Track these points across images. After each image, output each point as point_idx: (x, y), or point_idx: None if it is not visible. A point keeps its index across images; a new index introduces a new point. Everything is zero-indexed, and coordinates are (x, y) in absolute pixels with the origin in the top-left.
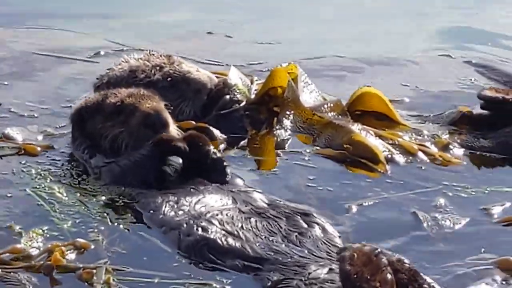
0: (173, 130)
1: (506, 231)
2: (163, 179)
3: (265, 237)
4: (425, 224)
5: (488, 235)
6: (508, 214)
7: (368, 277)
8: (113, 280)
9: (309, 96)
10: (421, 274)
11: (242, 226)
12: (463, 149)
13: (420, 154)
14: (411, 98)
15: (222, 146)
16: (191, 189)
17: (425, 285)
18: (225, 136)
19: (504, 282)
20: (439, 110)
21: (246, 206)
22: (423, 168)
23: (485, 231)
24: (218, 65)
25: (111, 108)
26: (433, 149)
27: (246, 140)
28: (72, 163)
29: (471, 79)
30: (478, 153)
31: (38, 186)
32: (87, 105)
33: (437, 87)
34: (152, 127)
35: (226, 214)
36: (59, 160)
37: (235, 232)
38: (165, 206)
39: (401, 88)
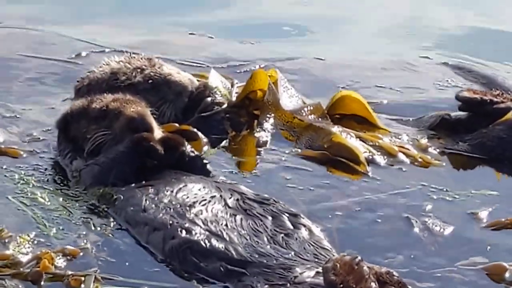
0: (158, 135)
1: (494, 235)
2: (142, 174)
3: (250, 238)
4: (414, 227)
5: (478, 240)
6: (495, 218)
7: (353, 285)
8: None
9: (289, 100)
10: (410, 287)
11: (226, 225)
12: (442, 152)
13: (401, 155)
14: (389, 100)
15: (205, 148)
16: (173, 180)
17: None
18: (206, 139)
19: None
20: (417, 113)
21: (231, 196)
22: (403, 169)
23: (474, 235)
24: (200, 66)
25: (96, 112)
26: (413, 151)
27: (226, 142)
28: (55, 168)
29: (447, 81)
30: (456, 153)
31: (20, 192)
32: (72, 111)
33: (415, 89)
34: (136, 131)
35: (211, 210)
36: (41, 165)
37: (219, 232)
38: (146, 201)
39: (379, 91)
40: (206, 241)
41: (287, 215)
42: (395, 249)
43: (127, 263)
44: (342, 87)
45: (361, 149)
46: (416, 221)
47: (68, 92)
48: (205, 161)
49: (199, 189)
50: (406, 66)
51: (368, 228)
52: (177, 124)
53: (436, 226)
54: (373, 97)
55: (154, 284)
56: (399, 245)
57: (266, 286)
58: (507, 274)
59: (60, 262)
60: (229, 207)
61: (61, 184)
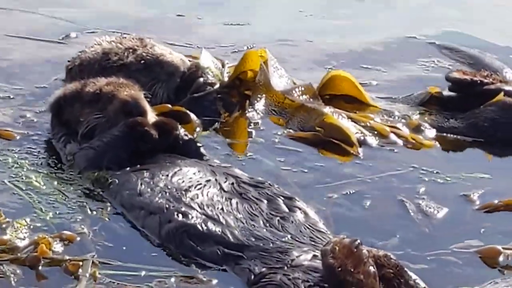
0: (151, 118)
1: (487, 217)
2: (136, 158)
3: (246, 222)
4: (408, 210)
5: (471, 222)
6: (487, 201)
7: (352, 269)
8: (99, 273)
9: (279, 81)
10: (407, 270)
11: (222, 209)
12: (434, 130)
13: (392, 136)
14: (377, 81)
15: (198, 130)
16: (168, 164)
17: (411, 282)
18: (199, 121)
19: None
20: (406, 92)
21: (226, 180)
22: (395, 150)
23: (467, 217)
24: (189, 47)
25: (89, 96)
26: (405, 131)
27: (219, 123)
28: (49, 151)
29: (434, 61)
30: (449, 135)
31: (15, 176)
32: (65, 94)
33: (402, 70)
34: (130, 114)
35: (207, 194)
36: (35, 148)
37: (216, 216)
38: (141, 185)
39: (367, 72)
40: (203, 225)
41: (282, 198)
42: (389, 231)
43: (124, 248)
44: (328, 68)
45: (353, 130)
46: (410, 204)
47: (58, 73)
48: (198, 144)
49: (194, 173)
50: (392, 46)
51: (362, 211)
52: (169, 105)
53: (429, 208)
54: (360, 78)
55: (152, 268)
56: (393, 228)
57: (264, 269)
58: (500, 258)
59: (58, 247)
60: (225, 191)
61: (55, 168)
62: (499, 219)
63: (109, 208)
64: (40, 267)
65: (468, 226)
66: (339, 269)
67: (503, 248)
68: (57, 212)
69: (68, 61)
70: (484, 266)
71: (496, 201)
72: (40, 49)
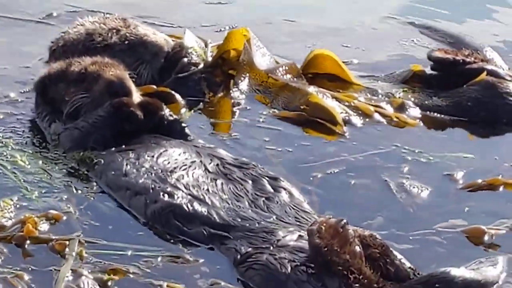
0: (136, 98)
1: (471, 197)
2: (121, 139)
3: (231, 202)
4: (392, 189)
5: (454, 201)
6: (471, 180)
7: (338, 249)
8: (85, 253)
9: (262, 60)
10: (392, 250)
11: (208, 190)
12: (418, 109)
13: (376, 115)
14: (359, 59)
15: (183, 110)
16: (153, 144)
17: (396, 261)
18: (183, 101)
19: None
20: (388, 71)
21: (211, 161)
22: (379, 129)
23: (451, 197)
24: (170, 27)
25: (74, 75)
26: (389, 110)
27: (204, 103)
28: (34, 131)
29: (413, 40)
30: (432, 113)
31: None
32: (50, 73)
33: (382, 49)
34: (115, 95)
35: (192, 175)
36: (19, 128)
37: (201, 197)
38: (127, 166)
39: (347, 50)
40: (189, 205)
41: (267, 178)
42: (373, 211)
43: (110, 227)
44: (309, 47)
45: (338, 110)
46: (394, 183)
47: (41, 52)
48: (183, 124)
49: (179, 154)
50: (372, 25)
51: (346, 190)
52: (154, 86)
53: (413, 187)
54: (341, 56)
55: (138, 248)
56: (378, 207)
57: (250, 249)
58: (486, 237)
59: (44, 226)
60: (210, 172)
61: (40, 147)
62: (483, 198)
63: (94, 188)
64: (26, 246)
65: (451, 205)
66: (325, 249)
67: (487, 228)
68: (43, 192)
69: (51, 42)
70: (468, 245)
71: (479, 181)
72: (22, 28)
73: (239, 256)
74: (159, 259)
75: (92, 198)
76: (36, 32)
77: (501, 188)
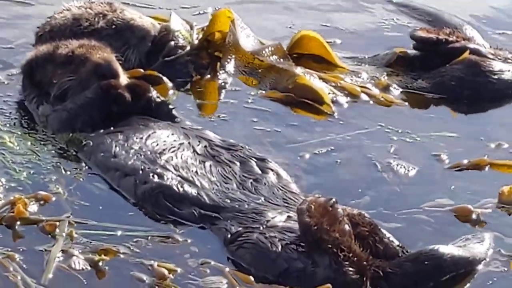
0: (124, 80)
1: (456, 177)
2: (109, 121)
3: (220, 184)
4: (379, 169)
5: (440, 181)
6: (456, 159)
7: (328, 228)
8: (76, 233)
9: (247, 41)
10: (381, 228)
11: (196, 172)
12: (402, 90)
13: (363, 95)
14: (341, 39)
15: (171, 93)
16: (141, 126)
17: (385, 239)
18: (171, 84)
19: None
20: (370, 50)
21: (199, 143)
22: (366, 110)
23: (437, 177)
24: (150, 8)
25: (62, 58)
26: (375, 91)
27: (191, 86)
28: (21, 112)
29: (393, 19)
30: (417, 93)
31: None
32: (37, 56)
33: (362, 28)
34: (103, 77)
35: (181, 157)
36: (6, 109)
37: (191, 178)
38: (116, 147)
39: (328, 30)
40: (179, 186)
41: (255, 160)
42: (360, 190)
43: (100, 207)
44: (288, 27)
45: (326, 91)
46: (381, 163)
47: (25, 33)
48: (171, 106)
49: (168, 136)
50: (351, 4)
51: (334, 170)
52: (142, 70)
53: (400, 167)
54: (322, 36)
55: (128, 228)
56: (365, 187)
57: (240, 228)
58: (473, 216)
59: (33, 207)
60: (198, 154)
61: (29, 128)
62: (468, 177)
63: (84, 168)
64: (16, 227)
65: (438, 185)
66: (315, 227)
67: (474, 207)
68: (32, 172)
69: (37, 27)
70: (455, 224)
71: (465, 161)
72: (4, 8)
73: (229, 235)
74: (149, 239)
75: (81, 179)
76: (19, 12)
77: (486, 168)
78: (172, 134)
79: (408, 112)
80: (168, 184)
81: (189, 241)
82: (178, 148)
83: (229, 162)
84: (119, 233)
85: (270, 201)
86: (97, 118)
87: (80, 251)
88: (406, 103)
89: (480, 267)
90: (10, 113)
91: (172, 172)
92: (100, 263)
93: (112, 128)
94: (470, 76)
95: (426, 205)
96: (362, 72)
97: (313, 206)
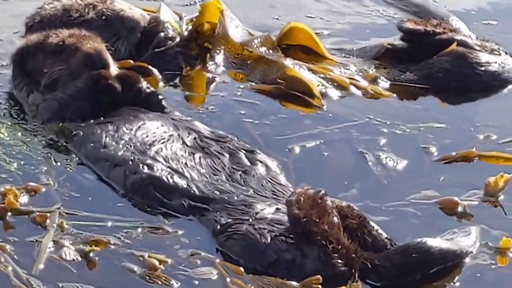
0: (114, 71)
1: (445, 169)
2: (99, 111)
3: (209, 176)
4: (368, 161)
5: (429, 174)
6: (445, 151)
7: (317, 220)
8: (66, 224)
9: (236, 31)
10: (369, 221)
11: (186, 163)
12: (391, 82)
13: (352, 87)
14: (328, 30)
15: (161, 84)
16: (131, 117)
17: (373, 232)
18: (161, 76)
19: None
20: (357, 41)
21: (189, 134)
22: (355, 102)
23: (425, 169)
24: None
25: (52, 47)
26: (363, 83)
27: (181, 77)
28: (11, 102)
29: (379, 10)
30: (405, 84)
31: None
32: (28, 45)
33: (348, 18)
34: (93, 67)
35: (171, 148)
36: None
37: (180, 170)
38: (106, 138)
39: (313, 21)
40: (168, 177)
41: (244, 151)
42: (348, 183)
43: (90, 198)
44: (274, 18)
45: (315, 83)
46: (369, 155)
47: (15, 26)
48: (160, 97)
49: (157, 128)
50: None
51: (322, 162)
52: (131, 61)
53: (388, 160)
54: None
55: (118, 219)
56: (352, 179)
57: (229, 220)
58: (459, 208)
59: (24, 198)
60: (188, 145)
61: (18, 119)
62: (457, 170)
63: (74, 159)
64: (7, 218)
65: (425, 177)
66: (304, 219)
67: (460, 199)
68: (22, 163)
69: (27, 18)
70: (441, 216)
71: (453, 153)
72: None
73: (218, 227)
74: (139, 230)
75: (71, 170)
76: (7, 5)
77: (475, 160)
78: (162, 126)
79: (397, 104)
80: (158, 175)
81: (179, 232)
82: (168, 140)
83: (218, 154)
84: (109, 224)
85: (259, 193)
86: (87, 108)
87: (71, 242)
88: (395, 95)
89: (467, 260)
90: (0, 103)
91: (162, 163)
92: (91, 254)
93: (102, 119)
94: (458, 68)
95: (412, 198)
96: (350, 65)
97: (302, 198)
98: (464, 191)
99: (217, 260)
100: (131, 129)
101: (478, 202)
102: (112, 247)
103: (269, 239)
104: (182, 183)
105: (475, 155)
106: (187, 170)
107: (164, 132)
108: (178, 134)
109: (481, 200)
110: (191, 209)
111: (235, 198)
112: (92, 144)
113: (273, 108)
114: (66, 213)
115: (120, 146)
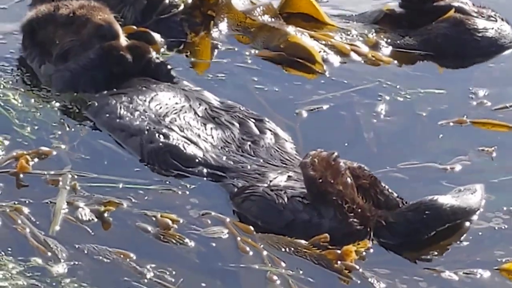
0: (123, 41)
1: (435, 136)
2: (111, 82)
3: (221, 147)
4: (363, 128)
5: (419, 140)
6: (441, 117)
7: (331, 180)
8: (79, 186)
9: (238, 0)
10: (380, 181)
11: (199, 134)
12: (391, 48)
13: (353, 54)
14: None
15: (162, 50)
16: (143, 88)
17: (385, 191)
18: (163, 41)
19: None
20: (356, 8)
21: (200, 105)
22: (356, 67)
23: (417, 135)
24: None
25: (63, 18)
26: (364, 49)
27: (185, 44)
28: (23, 69)
29: None
30: (404, 51)
31: None
32: (38, 16)
33: None
34: (103, 38)
35: (184, 118)
36: (8, 66)
37: (194, 140)
38: (121, 109)
39: None
40: (185, 146)
41: (253, 120)
42: (347, 149)
43: (102, 162)
44: None
45: (317, 49)
46: (364, 122)
47: None
48: (169, 67)
49: (169, 98)
50: None
51: (323, 128)
52: (135, 27)
53: (382, 127)
54: None
55: (130, 181)
56: (345, 147)
57: (247, 183)
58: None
59: (36, 162)
60: (199, 116)
61: (32, 85)
62: (448, 136)
63: (88, 125)
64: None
65: (415, 144)
66: (320, 180)
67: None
68: (36, 128)
69: None
70: (429, 181)
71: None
72: None
73: (235, 190)
74: (152, 191)
75: (84, 135)
76: None
77: (467, 125)
78: (174, 97)
79: (396, 69)
80: (175, 143)
81: (189, 193)
82: (180, 110)
83: (229, 123)
84: (120, 185)
85: (268, 162)
86: (99, 79)
87: (84, 203)
88: (395, 61)
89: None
90: (12, 70)
91: (177, 133)
92: (106, 214)
93: (115, 90)
94: (455, 34)
95: (401, 164)
96: (351, 30)
97: (316, 160)
98: (450, 157)
99: (227, 220)
100: (145, 100)
101: (462, 167)
102: (125, 207)
103: (286, 200)
104: (198, 151)
105: (468, 121)
106: (201, 140)
107: (176, 103)
108: (190, 105)
109: (465, 165)
110: (208, 175)
111: (249, 167)
112: (107, 115)
113: (276, 74)
114: (78, 175)
115: (135, 116)
